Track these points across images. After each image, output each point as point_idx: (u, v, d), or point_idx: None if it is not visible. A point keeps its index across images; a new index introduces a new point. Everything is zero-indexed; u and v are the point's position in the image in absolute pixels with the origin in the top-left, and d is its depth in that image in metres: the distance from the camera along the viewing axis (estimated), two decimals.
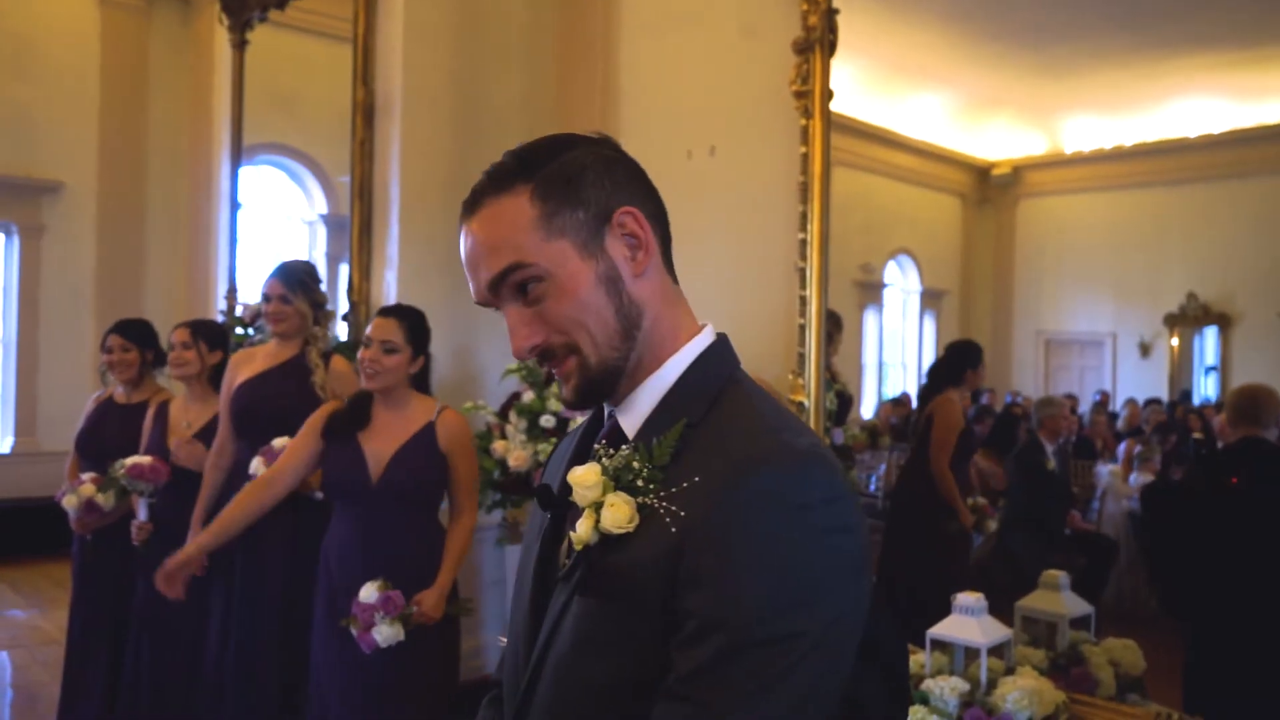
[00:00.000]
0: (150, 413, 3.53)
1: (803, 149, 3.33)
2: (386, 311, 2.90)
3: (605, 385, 1.05)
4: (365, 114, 4.48)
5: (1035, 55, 3.89)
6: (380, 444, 2.80)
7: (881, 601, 1.76)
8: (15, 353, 7.81)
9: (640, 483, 0.97)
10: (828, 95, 3.31)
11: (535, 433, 3.28)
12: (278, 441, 3.01)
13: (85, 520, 3.51)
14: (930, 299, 4.44)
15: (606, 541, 0.97)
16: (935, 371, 3.82)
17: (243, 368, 3.21)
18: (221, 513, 2.86)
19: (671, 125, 4.01)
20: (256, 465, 3.01)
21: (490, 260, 1.01)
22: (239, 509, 2.81)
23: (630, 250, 1.04)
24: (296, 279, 3.18)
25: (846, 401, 4.14)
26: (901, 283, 4.47)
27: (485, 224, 1.02)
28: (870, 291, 4.41)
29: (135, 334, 3.67)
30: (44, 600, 6.16)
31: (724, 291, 3.75)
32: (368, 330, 2.82)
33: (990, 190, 4.19)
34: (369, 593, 2.66)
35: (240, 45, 5.64)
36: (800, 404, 3.32)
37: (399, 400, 2.85)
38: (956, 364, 3.69)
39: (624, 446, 1.02)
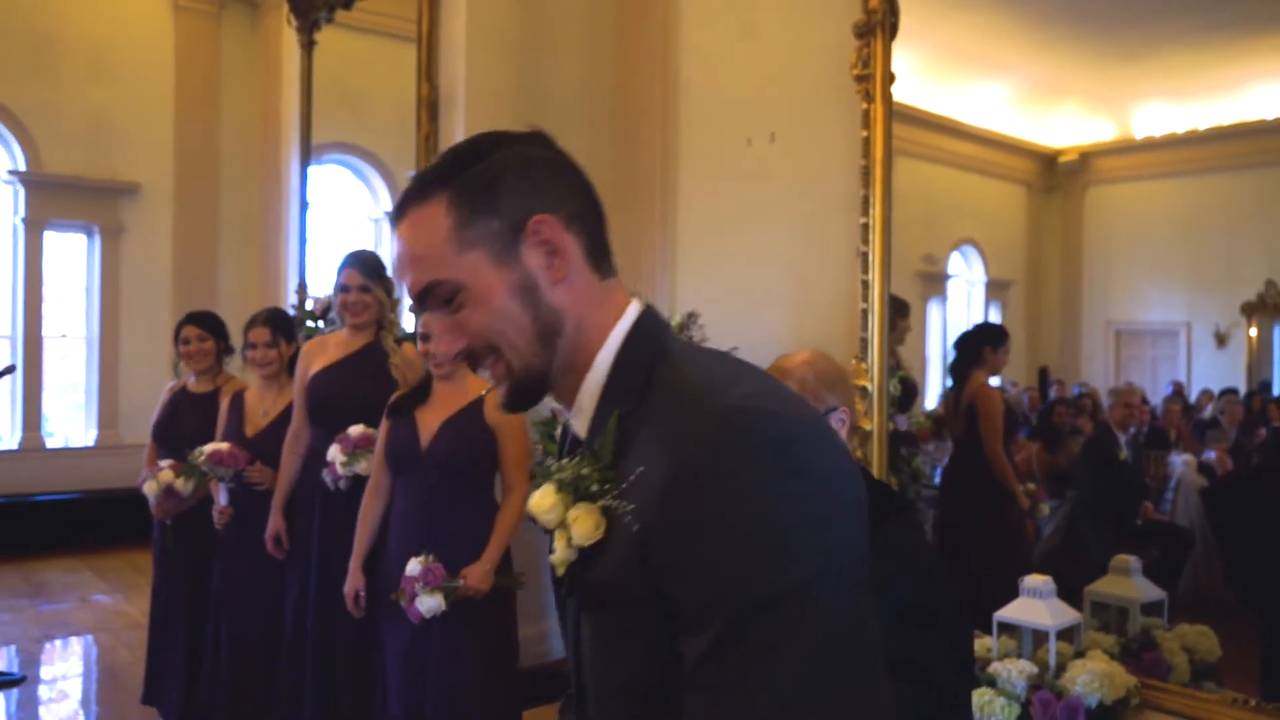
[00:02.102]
0: (225, 402, 3.65)
1: (864, 133, 3.32)
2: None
3: (534, 389, 1.06)
4: (429, 109, 4.57)
5: (1102, 40, 3.81)
6: (432, 416, 2.97)
7: (943, 575, 1.76)
8: (98, 349, 8.10)
9: (595, 488, 0.97)
10: (889, 79, 3.29)
11: None
12: (354, 430, 3.12)
13: (165, 505, 3.64)
14: (995, 289, 4.38)
15: (585, 556, 0.97)
16: (959, 348, 3.79)
17: (316, 357, 3.30)
18: (357, 535, 3.07)
19: (732, 112, 4.02)
20: (334, 453, 3.12)
21: (412, 272, 1.03)
22: (368, 523, 3.07)
23: (547, 258, 1.02)
24: (373, 268, 3.27)
25: (911, 389, 4.11)
26: (966, 273, 4.41)
27: (406, 233, 1.03)
28: (934, 282, 4.36)
29: (210, 324, 3.80)
30: (127, 586, 6.39)
31: (786, 277, 3.75)
32: (421, 326, 2.95)
33: (1057, 178, 4.11)
34: (413, 566, 2.78)
35: (308, 46, 5.77)
36: (864, 389, 3.31)
37: (457, 379, 3.03)
38: (975, 343, 3.66)
39: (575, 454, 1.02)
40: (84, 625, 5.65)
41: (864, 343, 3.32)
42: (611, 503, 0.95)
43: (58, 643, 5.35)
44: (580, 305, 1.03)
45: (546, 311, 1.02)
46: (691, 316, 3.57)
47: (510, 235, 1.01)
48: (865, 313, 3.32)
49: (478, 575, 2.84)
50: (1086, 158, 4.08)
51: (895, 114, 3.31)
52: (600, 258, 1.06)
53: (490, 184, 1.01)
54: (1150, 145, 3.98)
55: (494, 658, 2.95)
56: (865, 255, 3.31)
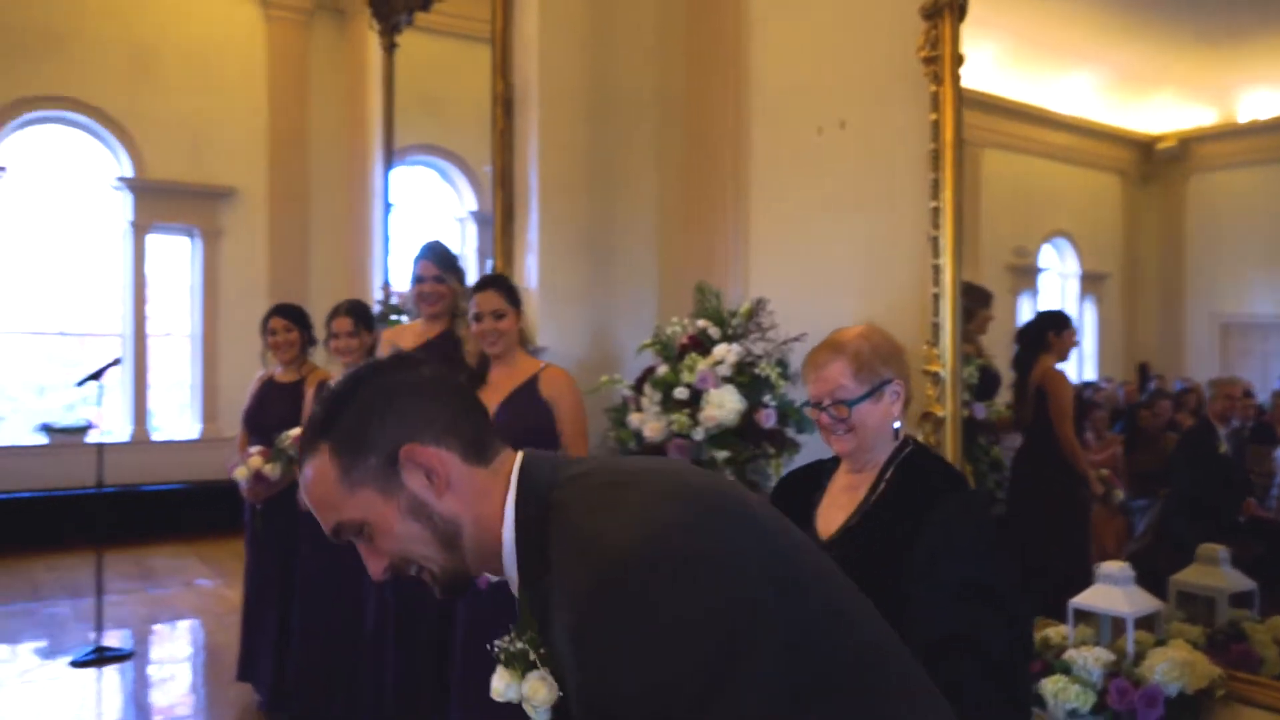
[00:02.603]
0: (310, 390, 3.81)
1: (933, 116, 3.27)
2: (484, 284, 3.16)
3: (460, 581, 1.19)
4: (504, 106, 4.67)
5: (1197, 25, 3.68)
6: (491, 397, 3.08)
7: (1004, 553, 1.75)
8: (200, 346, 8.48)
9: (534, 657, 1.16)
10: (958, 60, 3.24)
11: (669, 404, 3.35)
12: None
13: (255, 490, 3.81)
14: (1090, 283, 4.26)
15: (562, 708, 1.14)
16: (1021, 340, 3.71)
17: (396, 343, 3.42)
18: None
19: (801, 102, 4.01)
20: None
21: (321, 515, 1.16)
22: None
23: (426, 478, 1.13)
24: (446, 260, 3.39)
25: (994, 378, 4.04)
26: (1058, 266, 4.30)
27: (308, 485, 1.16)
28: (1024, 276, 4.27)
29: (294, 316, 3.97)
30: (228, 571, 6.69)
31: (857, 264, 3.73)
32: (473, 307, 3.05)
33: (1155, 166, 3.98)
34: None
35: (390, 49, 5.94)
36: (935, 374, 3.28)
37: (510, 361, 3.16)
38: (1038, 330, 3.61)
39: (522, 634, 1.18)
40: (189, 608, 5.95)
41: (936, 328, 3.28)
42: (550, 666, 1.13)
43: (165, 625, 5.65)
44: (471, 504, 1.15)
45: (441, 522, 1.14)
46: (760, 303, 3.58)
47: (388, 467, 1.13)
48: (937, 298, 3.28)
49: None
50: (1186, 144, 3.93)
51: (980, 105, 3.27)
52: (479, 450, 1.17)
53: (359, 428, 1.13)
54: (1257, 129, 3.82)
55: None
56: (936, 240, 3.27)
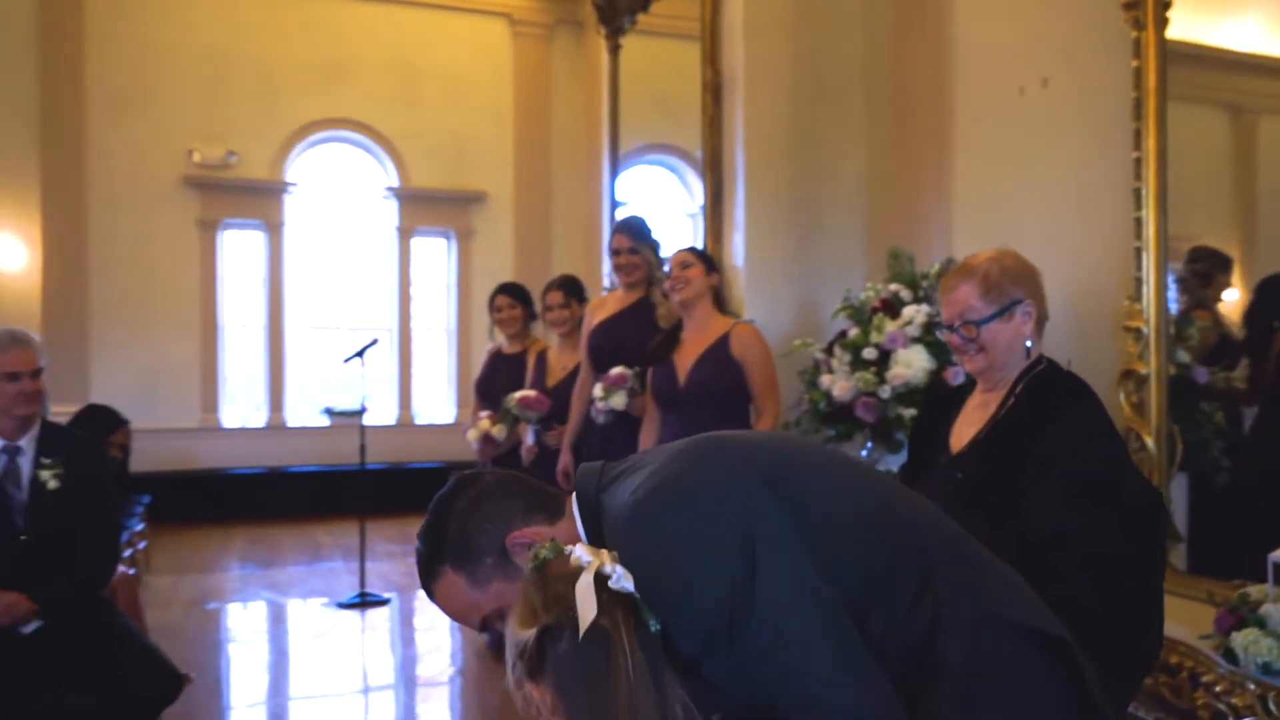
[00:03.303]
0: (531, 359, 4.20)
1: (1135, 63, 3.16)
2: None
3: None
4: (713, 93, 4.87)
5: None
6: (686, 356, 3.30)
7: (1127, 463, 1.74)
8: (455, 338, 9.31)
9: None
10: (1162, 3, 3.11)
11: (858, 364, 3.43)
12: (614, 370, 3.49)
13: (485, 450, 4.25)
14: None
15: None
16: (1259, 295, 3.41)
17: (597, 312, 3.73)
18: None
19: (1004, 63, 3.94)
20: (596, 389, 3.52)
21: (467, 620, 1.38)
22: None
23: (528, 552, 1.29)
24: (639, 232, 3.64)
25: (1229, 343, 3.79)
26: None
27: (444, 605, 1.38)
28: None
29: (517, 294, 4.38)
30: None
31: (1060, 222, 3.63)
32: (666, 264, 3.26)
33: None
34: None
35: (614, 51, 6.30)
36: (1138, 330, 3.16)
37: (702, 321, 3.35)
38: (1271, 293, 3.31)
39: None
40: None
41: (1138, 282, 3.16)
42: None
43: None
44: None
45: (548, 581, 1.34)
46: (949, 262, 3.57)
47: (501, 559, 1.34)
48: (1139, 251, 3.15)
49: None
50: None
51: (1238, 65, 3.13)
52: (553, 510, 1.38)
53: (466, 542, 1.35)
54: None
55: None
56: (1138, 191, 3.15)
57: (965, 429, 1.94)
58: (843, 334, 3.64)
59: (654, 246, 3.65)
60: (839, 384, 3.45)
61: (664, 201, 8.52)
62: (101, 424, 4.85)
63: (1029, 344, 1.93)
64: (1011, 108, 3.86)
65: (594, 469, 1.39)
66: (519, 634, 1.17)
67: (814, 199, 4.77)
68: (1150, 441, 3.11)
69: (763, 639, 1.16)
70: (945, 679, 1.19)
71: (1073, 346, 3.68)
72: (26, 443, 2.96)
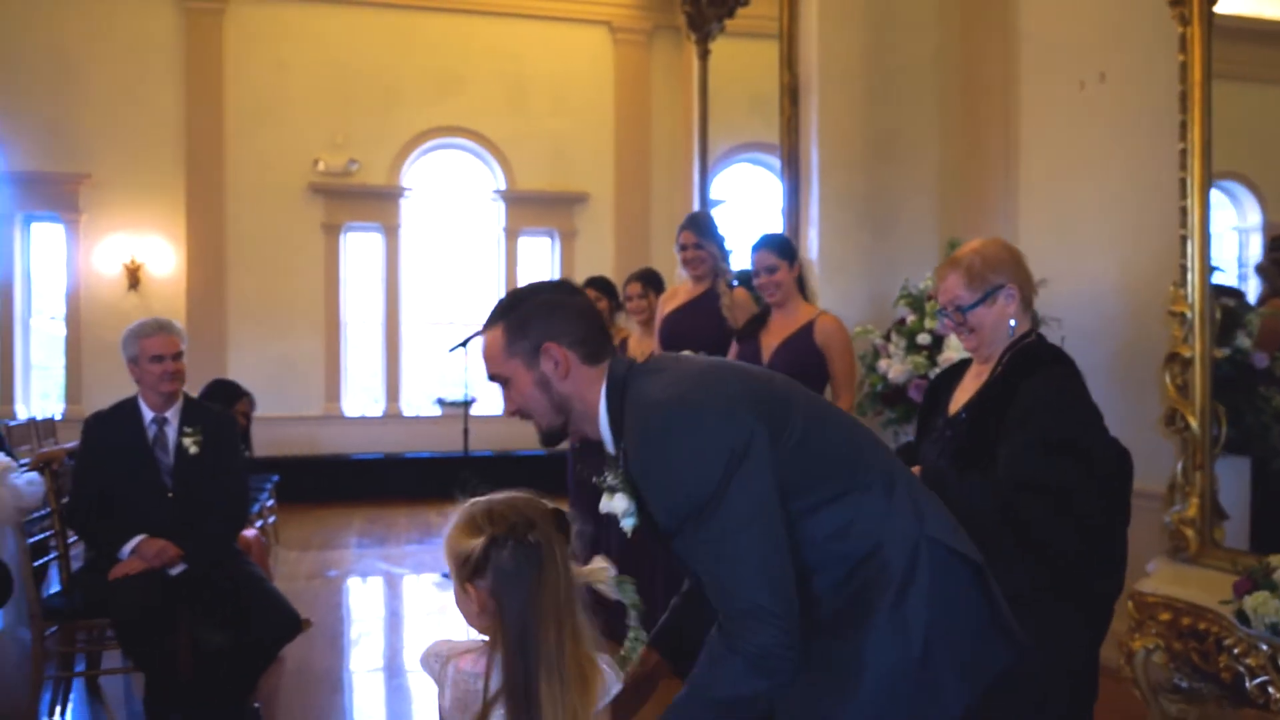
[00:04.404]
0: (614, 345, 4.52)
1: (1180, 57, 3.28)
2: (758, 245, 3.60)
3: (555, 435, 1.75)
4: (790, 95, 5.12)
5: None
6: (771, 339, 3.53)
7: (1096, 418, 1.95)
8: None
9: (624, 484, 1.65)
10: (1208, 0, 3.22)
11: (912, 349, 3.64)
12: (685, 354, 3.76)
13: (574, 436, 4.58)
14: None
15: (644, 519, 1.66)
16: None
17: (668, 303, 4.02)
18: None
19: (1065, 58, 4.08)
20: None
21: (488, 368, 1.72)
22: None
23: (554, 367, 1.65)
24: (703, 227, 3.91)
25: None
26: None
27: (485, 344, 1.72)
28: None
29: (603, 286, 4.71)
30: None
31: (1114, 208, 3.77)
32: (752, 264, 3.49)
33: None
34: None
35: (704, 56, 6.59)
36: (1182, 315, 3.27)
37: (789, 309, 3.56)
38: None
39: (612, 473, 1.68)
40: None
41: (1183, 270, 3.27)
42: (629, 490, 1.65)
43: None
44: (580, 389, 1.68)
45: (557, 396, 1.68)
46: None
47: (533, 352, 1.66)
48: (1184, 239, 3.27)
49: None
50: None
51: None
52: (594, 357, 1.68)
53: (524, 321, 1.67)
54: None
55: None
56: (1183, 181, 3.26)
57: (961, 396, 2.18)
58: (901, 321, 3.84)
59: (719, 241, 3.92)
60: (894, 367, 3.66)
61: (759, 199, 8.74)
62: (227, 395, 5.35)
63: (1013, 323, 2.15)
64: (1071, 101, 4.00)
65: (622, 361, 1.72)
66: (464, 544, 1.46)
67: (887, 194, 4.97)
68: (1194, 423, 3.22)
69: (714, 530, 1.50)
70: (885, 582, 1.50)
71: (1126, 330, 3.81)
72: (172, 414, 3.46)
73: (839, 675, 1.52)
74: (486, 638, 1.48)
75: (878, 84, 4.93)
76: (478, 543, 1.44)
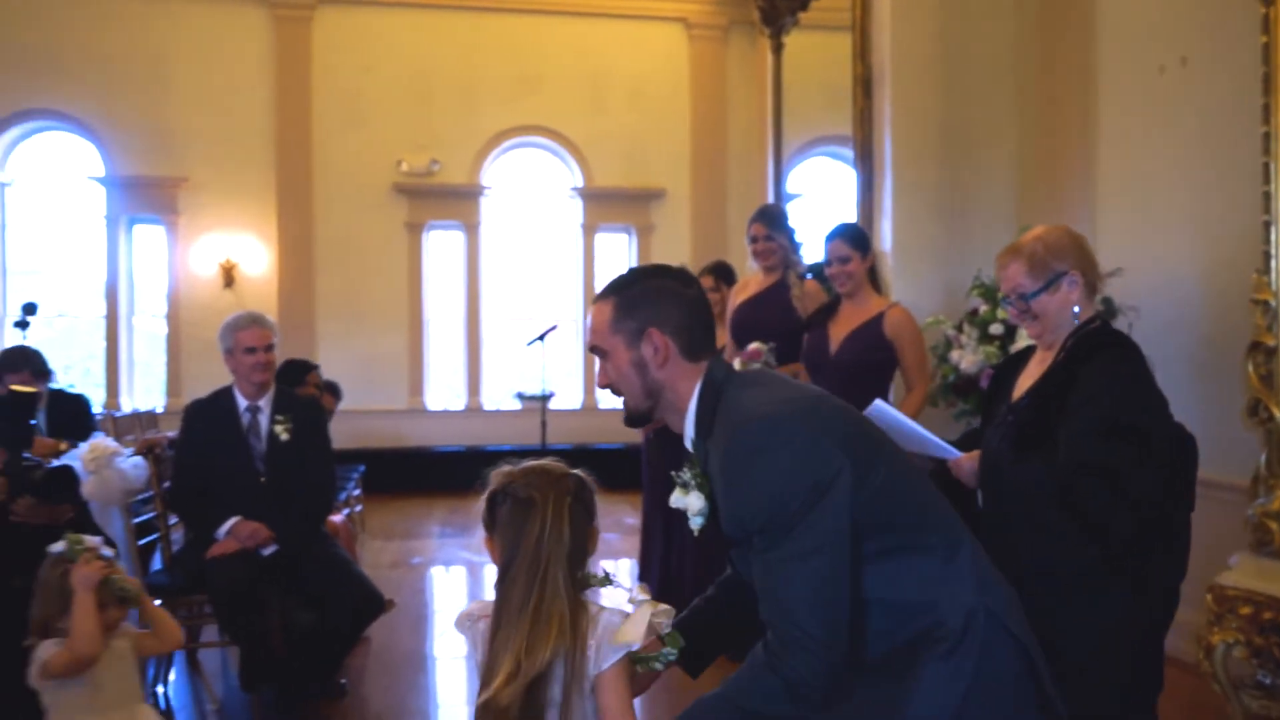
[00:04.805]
0: None
1: (1263, 39, 3.19)
2: (832, 235, 3.61)
3: (641, 418, 1.79)
4: (864, 86, 5.12)
5: None
6: (840, 329, 3.54)
7: (1159, 404, 1.94)
8: None
9: (699, 482, 1.70)
10: None
11: (984, 339, 3.62)
12: (751, 345, 3.81)
13: None
14: None
15: (712, 519, 1.71)
16: None
17: (740, 294, 4.07)
18: None
19: (1146, 43, 4.00)
20: (736, 363, 3.84)
21: (591, 338, 1.77)
22: None
23: (654, 353, 1.70)
24: (774, 220, 3.95)
25: None
26: None
27: (594, 314, 1.77)
28: None
29: (721, 273, 4.74)
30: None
31: (1195, 195, 3.69)
32: (826, 253, 3.51)
33: None
34: None
35: (777, 50, 6.61)
36: (1265, 303, 3.20)
37: (860, 299, 3.58)
38: None
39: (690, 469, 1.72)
40: (611, 533, 7.14)
41: (1266, 256, 3.19)
42: (704, 490, 1.70)
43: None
44: (674, 379, 1.72)
45: (651, 381, 1.73)
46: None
47: (637, 333, 1.71)
48: (1267, 225, 3.19)
49: None
50: None
51: None
52: (694, 352, 1.72)
53: (635, 302, 1.72)
54: None
55: None
56: (1266, 165, 3.19)
57: (1025, 382, 2.18)
58: (974, 311, 3.82)
59: (789, 233, 3.95)
60: (966, 358, 3.65)
61: (835, 192, 8.69)
62: (296, 372, 5.46)
63: (1076, 309, 2.14)
64: (1152, 87, 3.93)
65: (726, 364, 1.77)
66: (482, 502, 1.65)
67: (961, 184, 4.93)
68: (1278, 414, 3.14)
69: (782, 552, 1.54)
70: (936, 640, 1.55)
71: (1207, 319, 3.73)
72: (264, 403, 3.64)
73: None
74: None
75: (951, 73, 4.89)
76: (484, 499, 1.63)
